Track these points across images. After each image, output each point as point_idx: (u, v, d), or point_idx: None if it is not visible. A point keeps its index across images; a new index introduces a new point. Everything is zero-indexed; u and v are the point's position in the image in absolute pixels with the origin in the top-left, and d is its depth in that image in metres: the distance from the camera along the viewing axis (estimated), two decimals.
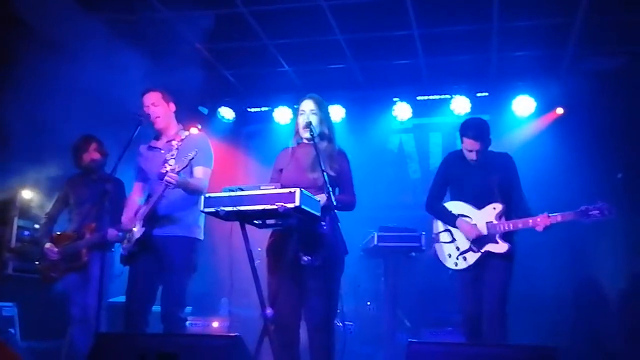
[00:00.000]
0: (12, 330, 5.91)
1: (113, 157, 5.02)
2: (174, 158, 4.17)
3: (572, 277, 6.77)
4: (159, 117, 4.45)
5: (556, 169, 6.74)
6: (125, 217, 4.37)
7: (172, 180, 4.03)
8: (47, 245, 5.05)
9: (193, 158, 4.06)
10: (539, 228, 4.16)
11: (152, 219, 4.27)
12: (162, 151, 4.39)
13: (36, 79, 5.19)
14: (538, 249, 5.62)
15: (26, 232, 6.85)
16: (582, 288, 6.75)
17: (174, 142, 4.32)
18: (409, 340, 3.11)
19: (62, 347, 4.98)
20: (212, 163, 4.47)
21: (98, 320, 4.13)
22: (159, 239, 4.26)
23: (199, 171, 4.35)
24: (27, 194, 6.82)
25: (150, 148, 4.51)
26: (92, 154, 5.18)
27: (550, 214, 4.14)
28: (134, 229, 4.28)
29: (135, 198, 4.49)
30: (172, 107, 4.56)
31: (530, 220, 4.20)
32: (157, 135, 4.55)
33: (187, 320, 4.41)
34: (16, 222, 6.73)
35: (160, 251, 4.26)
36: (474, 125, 4.44)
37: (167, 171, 4.05)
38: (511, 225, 4.28)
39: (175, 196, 4.26)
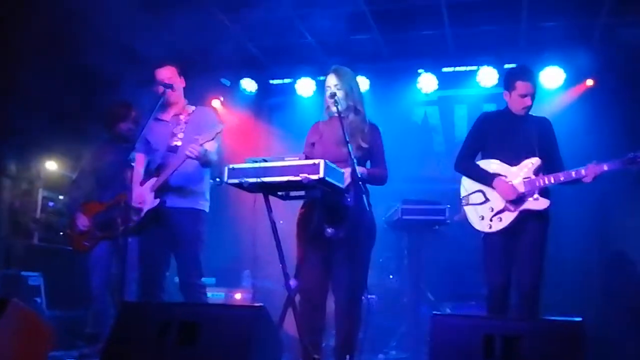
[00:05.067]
0: (38, 299, 6.00)
1: None
2: (182, 132, 4.22)
3: (601, 247, 6.64)
4: (173, 91, 4.40)
5: (585, 141, 6.57)
6: (135, 192, 4.30)
7: (195, 152, 4.04)
8: (78, 214, 5.04)
9: (219, 132, 4.07)
10: (588, 179, 3.95)
11: (163, 190, 4.26)
12: (170, 124, 4.39)
13: (58, 42, 5.16)
14: (565, 216, 5.48)
15: (51, 203, 6.92)
16: (611, 259, 6.61)
17: (181, 117, 4.36)
18: (434, 312, 3.06)
19: (88, 315, 5.04)
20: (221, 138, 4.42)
21: (122, 290, 4.15)
22: (170, 210, 4.26)
23: (211, 145, 4.30)
24: (51, 165, 6.87)
25: (157, 120, 4.45)
26: (129, 124, 5.11)
27: (597, 163, 3.95)
28: (146, 202, 4.26)
29: (140, 169, 4.45)
30: (183, 82, 4.52)
31: (574, 172, 3.97)
32: (164, 108, 4.46)
33: (205, 288, 4.43)
34: (41, 192, 6.80)
35: (170, 222, 4.26)
36: (527, 68, 4.28)
37: (181, 144, 4.10)
38: (552, 178, 4.01)
39: (187, 169, 4.25)
